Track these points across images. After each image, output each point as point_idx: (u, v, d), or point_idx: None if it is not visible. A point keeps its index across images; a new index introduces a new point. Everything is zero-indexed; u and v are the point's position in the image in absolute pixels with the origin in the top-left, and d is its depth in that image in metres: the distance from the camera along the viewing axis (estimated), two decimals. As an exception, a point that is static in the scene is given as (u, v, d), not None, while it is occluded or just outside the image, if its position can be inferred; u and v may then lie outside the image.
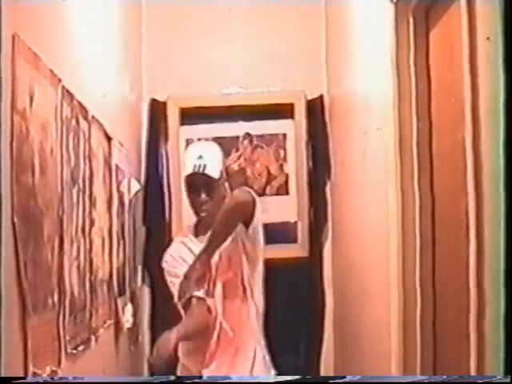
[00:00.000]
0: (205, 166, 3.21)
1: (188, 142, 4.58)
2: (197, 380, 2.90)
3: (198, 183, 3.23)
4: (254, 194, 3.23)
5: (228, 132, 4.29)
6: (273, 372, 3.29)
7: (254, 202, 3.16)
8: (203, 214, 3.28)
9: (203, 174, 3.20)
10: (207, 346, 3.21)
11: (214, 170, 3.23)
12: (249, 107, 4.56)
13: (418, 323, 2.60)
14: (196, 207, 3.30)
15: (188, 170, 3.26)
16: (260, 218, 3.22)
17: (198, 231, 3.37)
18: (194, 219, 3.41)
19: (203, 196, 3.24)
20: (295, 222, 4.57)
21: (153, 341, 4.48)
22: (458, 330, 2.15)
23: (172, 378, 2.51)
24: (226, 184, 3.38)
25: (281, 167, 4.62)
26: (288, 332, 4.30)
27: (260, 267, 3.29)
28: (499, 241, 1.69)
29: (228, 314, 3.23)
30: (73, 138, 2.45)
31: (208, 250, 3.08)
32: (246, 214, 3.15)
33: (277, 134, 4.62)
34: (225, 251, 3.19)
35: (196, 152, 3.32)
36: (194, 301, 3.14)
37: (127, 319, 3.58)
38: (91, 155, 2.77)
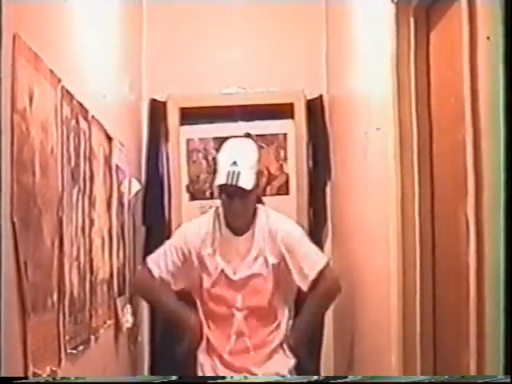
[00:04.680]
0: (238, 174, 3.13)
1: (188, 142, 4.59)
2: (200, 380, 2.90)
3: (230, 193, 3.20)
4: None
5: (228, 132, 4.27)
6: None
7: None
8: (238, 222, 3.28)
9: (236, 186, 3.15)
10: (229, 345, 3.30)
11: (247, 180, 3.16)
12: (249, 107, 4.56)
13: (418, 323, 2.60)
14: (228, 214, 3.29)
15: (221, 179, 3.18)
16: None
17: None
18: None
19: (236, 204, 3.22)
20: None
21: (153, 341, 4.50)
22: (457, 330, 2.15)
23: (173, 377, 2.50)
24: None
25: (281, 167, 4.62)
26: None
27: None
28: (499, 240, 1.69)
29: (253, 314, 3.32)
30: (73, 138, 2.45)
31: None
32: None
33: (277, 134, 4.62)
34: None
35: (230, 155, 3.23)
36: None
37: (127, 319, 3.58)
38: (91, 155, 2.77)
